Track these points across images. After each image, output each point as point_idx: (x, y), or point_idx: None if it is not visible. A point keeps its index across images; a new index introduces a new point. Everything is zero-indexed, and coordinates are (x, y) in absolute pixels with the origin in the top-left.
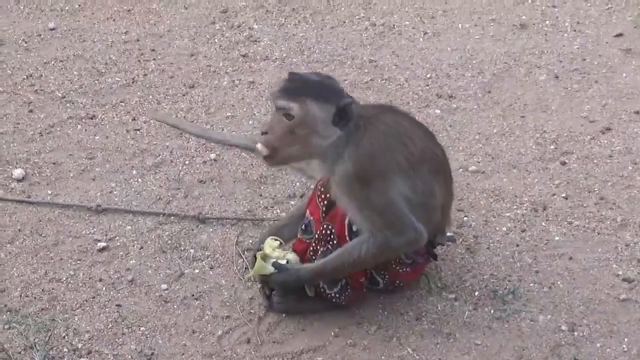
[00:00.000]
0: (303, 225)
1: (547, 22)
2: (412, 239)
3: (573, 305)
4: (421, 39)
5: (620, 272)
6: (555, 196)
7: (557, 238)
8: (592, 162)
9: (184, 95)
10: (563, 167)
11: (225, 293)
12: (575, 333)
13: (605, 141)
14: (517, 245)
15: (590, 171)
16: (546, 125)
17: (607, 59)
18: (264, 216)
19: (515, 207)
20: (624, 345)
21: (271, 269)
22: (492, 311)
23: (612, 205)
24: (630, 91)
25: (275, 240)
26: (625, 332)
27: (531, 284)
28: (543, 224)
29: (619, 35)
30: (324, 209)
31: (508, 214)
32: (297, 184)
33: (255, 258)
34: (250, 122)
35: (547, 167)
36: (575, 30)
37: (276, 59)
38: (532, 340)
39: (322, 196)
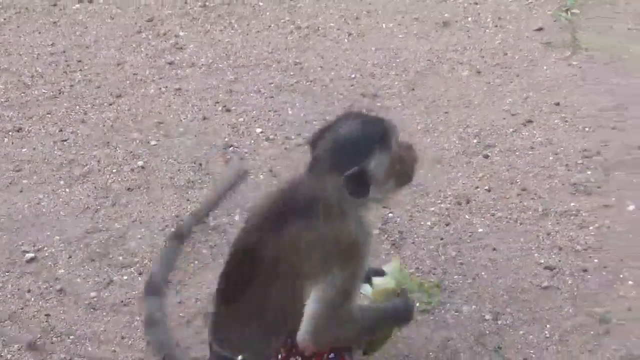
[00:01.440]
0: None
1: (470, 18)
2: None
3: (496, 294)
4: (346, 40)
5: (542, 261)
6: (478, 189)
7: (480, 230)
8: (514, 155)
9: (110, 104)
10: (486, 160)
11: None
12: (499, 322)
13: (527, 133)
14: (442, 239)
15: (513, 163)
16: (469, 120)
17: (528, 53)
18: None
19: (439, 201)
20: (546, 332)
21: None
22: (417, 304)
23: (533, 196)
24: (550, 83)
25: None
26: (547, 319)
27: (456, 276)
28: (467, 216)
29: (540, 29)
30: None
31: (432, 209)
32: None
33: None
34: (180, 129)
35: (470, 161)
36: (497, 26)
37: (202, 65)
38: (457, 330)
39: None
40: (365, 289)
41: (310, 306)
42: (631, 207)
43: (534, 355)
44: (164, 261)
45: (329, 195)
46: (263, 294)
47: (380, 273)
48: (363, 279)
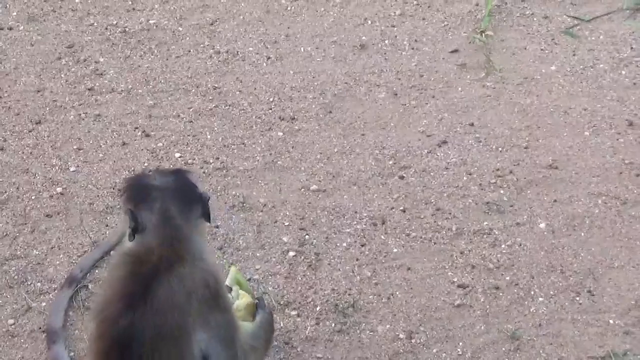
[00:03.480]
0: None
1: (387, 41)
2: None
3: (411, 313)
4: (264, 64)
5: (456, 279)
6: (393, 210)
7: (395, 250)
8: (429, 175)
9: (30, 131)
10: (401, 181)
11: (72, 326)
12: (413, 340)
13: (442, 154)
14: (357, 260)
15: (427, 184)
16: (385, 142)
17: (444, 75)
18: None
19: (355, 222)
20: (459, 349)
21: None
22: (333, 325)
23: (448, 215)
24: (465, 104)
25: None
26: (460, 336)
27: (371, 296)
28: (382, 237)
29: (455, 51)
30: None
31: (348, 230)
32: None
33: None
34: (99, 154)
35: (386, 182)
36: (413, 48)
37: (122, 90)
38: (371, 350)
39: None
40: None
41: None
42: (542, 225)
43: None
44: (58, 308)
45: (182, 239)
46: None
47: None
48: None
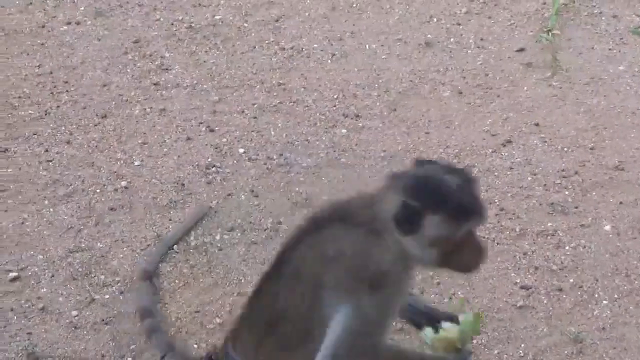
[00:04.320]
0: None
1: (452, 39)
2: None
3: None
4: (329, 61)
5: (518, 280)
6: None
7: None
8: (492, 175)
9: (96, 125)
10: None
11: (134, 317)
12: (474, 341)
13: (506, 153)
14: None
15: (491, 183)
16: (449, 140)
17: (509, 74)
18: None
19: None
20: (521, 351)
21: None
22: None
23: (511, 216)
24: (530, 104)
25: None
26: (522, 338)
27: (432, 296)
28: None
29: (521, 50)
30: None
31: None
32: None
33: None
34: (164, 149)
35: None
36: (478, 47)
37: (187, 86)
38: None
39: None
40: (427, 332)
41: (333, 330)
42: (607, 227)
43: None
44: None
45: (378, 215)
46: (283, 300)
47: (454, 320)
48: (395, 315)
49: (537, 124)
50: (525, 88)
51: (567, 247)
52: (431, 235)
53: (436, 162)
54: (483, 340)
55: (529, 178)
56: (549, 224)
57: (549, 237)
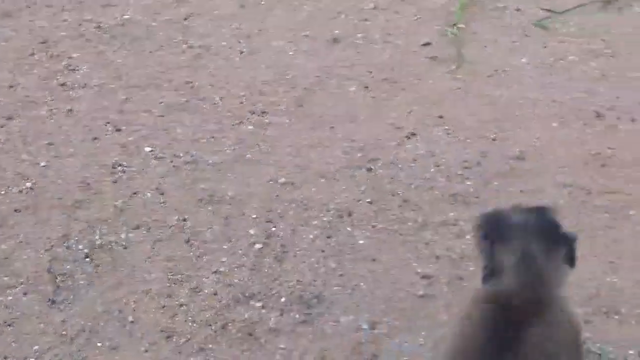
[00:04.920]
0: None
1: (359, 35)
2: None
3: (374, 304)
4: (237, 59)
5: (420, 270)
6: (360, 202)
7: (361, 242)
8: (397, 167)
9: (1, 127)
10: (369, 174)
11: (38, 318)
12: (376, 330)
13: (410, 146)
14: (323, 251)
15: (395, 176)
16: (355, 135)
17: (415, 68)
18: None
19: (322, 214)
20: (421, 339)
21: None
22: (297, 316)
23: (414, 207)
24: (435, 97)
25: None
26: (423, 327)
27: (335, 287)
28: (348, 229)
29: (427, 44)
30: None
31: (315, 222)
32: (111, 208)
33: None
34: (70, 149)
35: (354, 175)
36: (385, 42)
37: (94, 86)
38: (334, 340)
39: None
40: None
41: None
42: None
43: None
44: None
45: (547, 284)
46: None
47: None
48: None
49: (440, 117)
50: (430, 81)
51: (467, 237)
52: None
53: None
54: (384, 330)
55: (432, 169)
56: (451, 214)
57: (450, 227)
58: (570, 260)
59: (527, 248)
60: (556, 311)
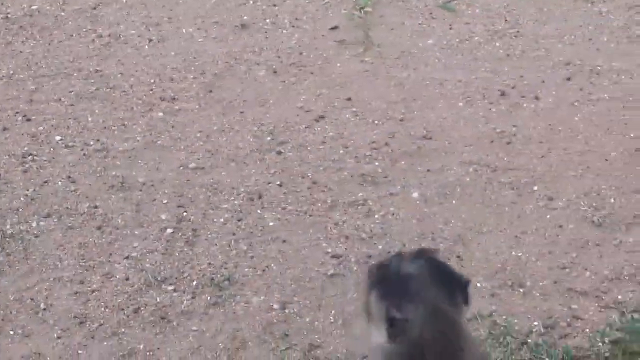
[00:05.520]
0: None
1: (268, 20)
2: None
3: (285, 284)
4: (146, 47)
5: (330, 250)
6: (270, 184)
7: (271, 223)
8: (306, 150)
9: None
10: (279, 157)
11: None
12: (287, 310)
13: (319, 128)
14: (234, 234)
15: (304, 158)
16: (264, 119)
17: (323, 51)
18: None
19: (232, 198)
20: (331, 317)
21: None
22: (209, 298)
23: (323, 188)
24: (343, 80)
25: None
26: (333, 305)
27: (246, 269)
28: (258, 211)
29: (335, 28)
30: None
31: (225, 205)
32: (22, 197)
33: None
34: None
35: (263, 158)
36: (293, 27)
37: (3, 76)
38: (246, 321)
39: None
40: None
41: None
42: (415, 195)
43: (319, 340)
44: None
45: (456, 330)
46: None
47: None
48: None
49: (349, 99)
50: (338, 65)
51: (376, 216)
52: None
53: None
54: (295, 309)
55: (341, 151)
56: (360, 194)
57: (359, 207)
58: (467, 301)
59: (429, 299)
60: (469, 354)
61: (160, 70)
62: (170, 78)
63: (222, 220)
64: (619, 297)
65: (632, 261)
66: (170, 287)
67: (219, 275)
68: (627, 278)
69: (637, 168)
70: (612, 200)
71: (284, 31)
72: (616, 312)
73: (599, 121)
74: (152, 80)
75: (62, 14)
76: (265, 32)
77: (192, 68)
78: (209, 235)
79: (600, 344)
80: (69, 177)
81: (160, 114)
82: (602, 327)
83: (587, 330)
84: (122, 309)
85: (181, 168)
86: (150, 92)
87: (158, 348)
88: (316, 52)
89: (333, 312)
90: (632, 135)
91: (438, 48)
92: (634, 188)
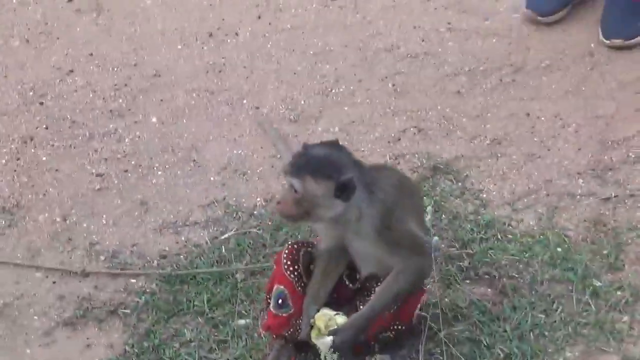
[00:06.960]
0: (280, 300)
1: (14, 1)
2: (430, 252)
3: (63, 202)
4: None
5: (94, 171)
6: (38, 128)
7: (44, 158)
8: (62, 98)
9: None
10: (41, 107)
11: None
12: (67, 221)
13: (71, 80)
14: (15, 170)
15: (62, 105)
16: (25, 78)
17: (64, 20)
18: None
19: (9, 143)
20: (104, 220)
21: (329, 341)
22: (3, 222)
23: (82, 125)
24: (84, 40)
25: (327, 311)
26: (103, 211)
27: (30, 195)
28: (32, 150)
29: (71, 0)
30: (295, 280)
31: (4, 150)
32: None
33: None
34: None
35: (29, 109)
36: (37, 3)
37: None
38: (36, 234)
39: (291, 268)
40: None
41: None
42: (154, 119)
43: (96, 239)
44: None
45: None
46: None
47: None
48: None
49: (91, 54)
50: (78, 29)
51: (126, 140)
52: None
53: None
54: (74, 219)
55: (91, 95)
56: (111, 126)
57: (112, 135)
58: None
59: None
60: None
61: None
62: None
63: (3, 161)
64: None
65: None
66: None
67: (9, 204)
68: None
69: (317, 75)
70: (302, 102)
71: (29, 8)
72: None
73: (285, 45)
74: None
75: None
76: (14, 10)
77: None
78: None
79: None
80: None
81: None
82: None
83: None
84: None
85: None
86: None
87: None
88: (59, 21)
89: (104, 216)
90: (311, 52)
91: (156, 5)
92: (316, 90)
